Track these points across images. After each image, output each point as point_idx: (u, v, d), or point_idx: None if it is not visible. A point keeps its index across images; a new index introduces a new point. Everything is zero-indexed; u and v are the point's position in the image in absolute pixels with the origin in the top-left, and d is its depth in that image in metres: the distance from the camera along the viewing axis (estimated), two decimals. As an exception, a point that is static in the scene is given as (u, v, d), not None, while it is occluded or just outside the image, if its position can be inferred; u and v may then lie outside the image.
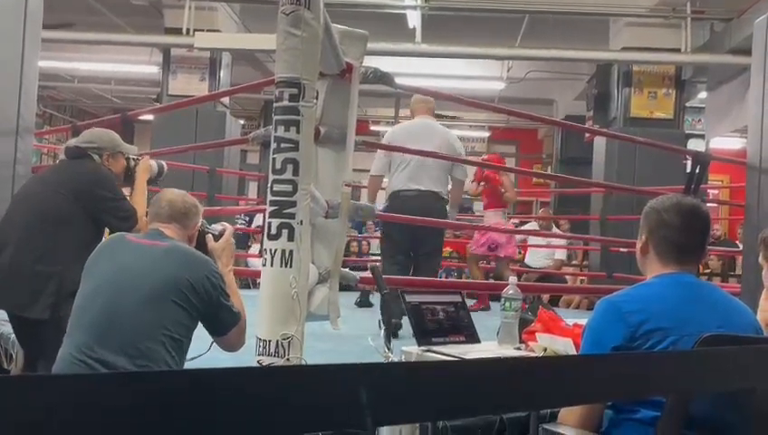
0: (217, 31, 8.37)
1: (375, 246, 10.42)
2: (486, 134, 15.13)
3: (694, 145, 8.77)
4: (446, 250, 8.36)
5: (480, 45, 8.38)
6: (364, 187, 10.68)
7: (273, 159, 2.19)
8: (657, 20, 8.12)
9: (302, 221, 2.18)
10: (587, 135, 9.56)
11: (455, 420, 2.22)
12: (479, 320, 2.70)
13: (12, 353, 3.38)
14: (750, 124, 4.35)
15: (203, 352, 2.35)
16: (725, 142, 11.31)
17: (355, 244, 9.73)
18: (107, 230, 3.01)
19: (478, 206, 9.70)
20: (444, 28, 8.74)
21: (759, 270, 2.60)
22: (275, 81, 2.20)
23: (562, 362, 1.25)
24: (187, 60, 8.66)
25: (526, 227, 9.09)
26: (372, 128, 14.28)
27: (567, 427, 1.77)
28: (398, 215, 4.27)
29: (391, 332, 2.45)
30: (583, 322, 2.03)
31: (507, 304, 2.47)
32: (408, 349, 2.39)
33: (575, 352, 2.07)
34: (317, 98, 2.33)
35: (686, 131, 9.17)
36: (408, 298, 2.47)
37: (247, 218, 9.61)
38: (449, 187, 4.77)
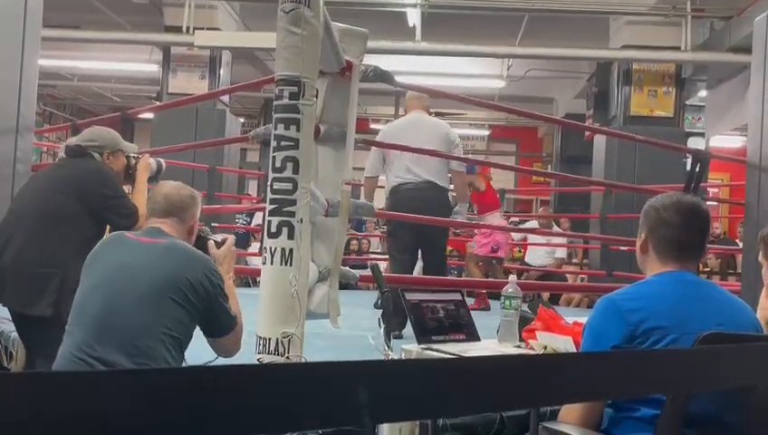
0: (217, 29, 8.38)
1: (375, 244, 10.43)
2: (486, 132, 15.14)
3: (694, 143, 8.76)
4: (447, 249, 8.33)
5: (480, 43, 8.38)
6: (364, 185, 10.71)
7: (273, 157, 2.19)
8: (657, 18, 8.13)
9: (301, 219, 2.18)
10: (587, 133, 9.56)
11: (454, 418, 2.22)
12: (479, 318, 2.70)
13: (12, 352, 3.38)
14: (750, 122, 4.35)
15: (212, 359, 2.32)
16: (725, 141, 11.32)
17: (355, 242, 9.73)
18: (107, 228, 3.02)
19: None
20: (444, 26, 8.74)
21: (759, 268, 2.59)
22: (275, 79, 2.21)
23: (562, 360, 1.25)
24: (186, 58, 8.67)
25: (526, 225, 9.09)
26: (372, 126, 14.26)
27: (567, 425, 1.77)
28: (398, 213, 4.26)
29: (392, 330, 2.45)
30: (583, 320, 2.03)
31: (507, 302, 2.47)
32: (407, 347, 2.39)
33: (575, 351, 2.08)
34: (317, 96, 2.33)
35: (687, 130, 9.17)
36: (408, 296, 2.47)
37: (248, 219, 9.60)
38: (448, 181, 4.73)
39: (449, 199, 4.71)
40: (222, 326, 2.27)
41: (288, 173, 2.16)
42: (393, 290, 2.60)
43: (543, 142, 14.97)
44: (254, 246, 8.50)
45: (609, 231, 6.98)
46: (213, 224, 7.14)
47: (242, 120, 12.23)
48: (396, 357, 2.34)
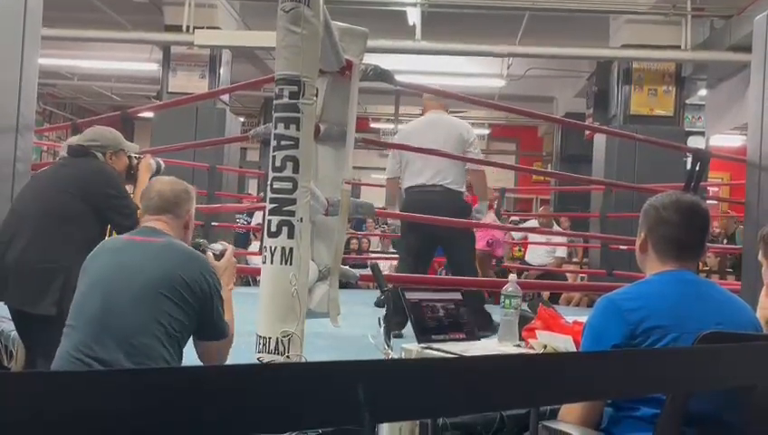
0: (217, 28, 8.37)
1: (375, 243, 10.43)
2: (486, 131, 15.14)
3: (694, 142, 8.77)
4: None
5: (480, 42, 8.37)
6: (364, 184, 10.71)
7: (273, 156, 2.19)
8: (657, 17, 8.12)
9: (301, 219, 2.18)
10: (587, 132, 9.56)
11: (454, 417, 2.22)
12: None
13: (12, 351, 3.39)
14: (750, 121, 4.35)
15: None
16: (725, 139, 11.32)
17: (355, 241, 9.73)
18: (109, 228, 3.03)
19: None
20: (444, 25, 8.74)
21: (759, 267, 2.60)
22: (275, 78, 2.21)
23: (562, 359, 1.25)
24: (186, 57, 8.66)
25: (527, 224, 9.09)
26: (372, 125, 14.28)
27: (567, 424, 1.77)
28: (398, 212, 4.27)
29: (392, 330, 2.45)
30: (583, 319, 2.03)
31: (507, 301, 2.47)
32: (407, 346, 2.40)
33: (575, 350, 2.08)
34: (317, 95, 2.33)
35: (686, 129, 9.18)
36: (408, 295, 2.47)
37: (248, 218, 9.61)
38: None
39: (462, 201, 4.56)
40: (215, 329, 2.25)
41: (288, 172, 2.16)
42: (393, 289, 2.60)
43: (543, 141, 14.97)
44: (254, 246, 8.51)
45: (609, 230, 6.98)
46: (213, 223, 7.15)
47: (242, 119, 12.24)
48: (396, 356, 2.34)
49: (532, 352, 2.28)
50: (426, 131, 4.44)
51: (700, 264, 5.85)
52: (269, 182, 2.21)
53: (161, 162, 3.35)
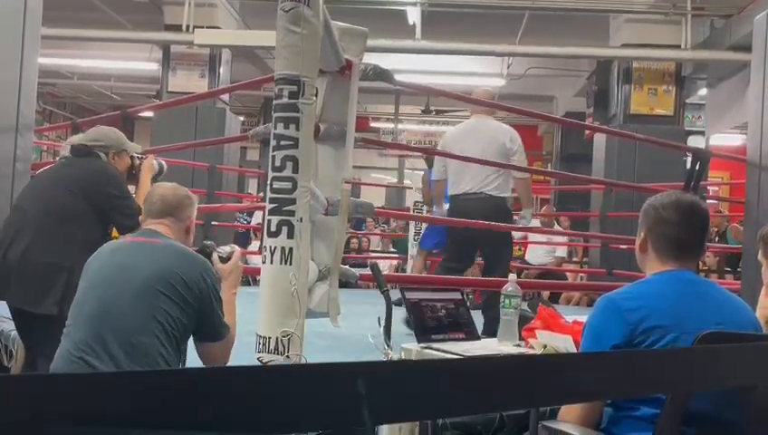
0: (217, 28, 8.37)
1: (375, 242, 10.43)
2: (486, 131, 15.11)
3: (694, 142, 8.78)
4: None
5: (480, 42, 8.37)
6: (364, 184, 10.68)
7: (273, 156, 2.19)
8: (657, 16, 8.12)
9: (301, 218, 2.18)
10: (587, 132, 9.56)
11: (454, 417, 2.22)
12: (479, 317, 2.70)
13: (12, 350, 3.39)
14: (750, 121, 4.35)
15: None
16: (725, 139, 11.31)
17: (355, 241, 9.73)
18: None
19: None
20: (444, 25, 8.74)
21: (759, 267, 2.60)
22: (275, 78, 2.20)
23: (562, 359, 1.25)
24: (186, 57, 8.66)
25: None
26: (372, 124, 14.27)
27: (567, 424, 1.77)
28: (397, 212, 4.26)
29: (391, 329, 2.46)
30: (583, 319, 2.03)
31: (507, 301, 2.47)
32: (407, 346, 2.40)
33: (575, 350, 2.08)
34: (317, 95, 2.32)
35: (686, 128, 9.17)
36: (408, 295, 2.47)
37: (248, 218, 9.61)
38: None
39: (503, 206, 4.55)
40: (214, 330, 2.25)
41: (288, 172, 2.16)
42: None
43: (543, 141, 14.95)
44: (254, 245, 8.51)
45: (609, 230, 6.98)
46: (213, 222, 7.15)
47: (242, 118, 12.23)
48: (396, 356, 2.35)
49: (531, 351, 2.29)
50: (467, 137, 4.44)
51: (699, 263, 5.85)
52: (269, 182, 2.21)
53: (163, 163, 3.35)
